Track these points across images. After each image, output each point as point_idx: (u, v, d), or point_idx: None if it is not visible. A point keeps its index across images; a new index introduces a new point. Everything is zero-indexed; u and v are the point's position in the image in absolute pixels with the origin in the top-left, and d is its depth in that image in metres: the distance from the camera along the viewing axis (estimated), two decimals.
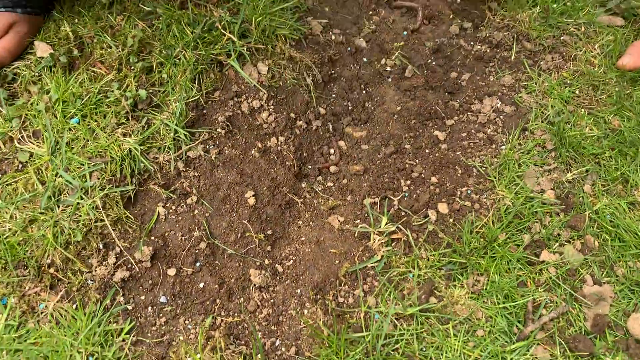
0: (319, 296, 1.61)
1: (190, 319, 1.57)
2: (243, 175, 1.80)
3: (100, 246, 1.60)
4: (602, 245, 1.72)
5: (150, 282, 1.60)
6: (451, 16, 2.38)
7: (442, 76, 2.17)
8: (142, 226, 1.66)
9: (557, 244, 1.71)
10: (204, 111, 1.85)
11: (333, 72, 2.10)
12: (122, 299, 1.57)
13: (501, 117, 2.03)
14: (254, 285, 1.64)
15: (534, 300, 1.60)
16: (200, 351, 1.48)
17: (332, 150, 1.98)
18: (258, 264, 1.68)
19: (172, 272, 1.62)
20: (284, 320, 1.59)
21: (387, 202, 1.80)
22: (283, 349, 1.54)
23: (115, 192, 1.65)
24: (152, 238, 1.66)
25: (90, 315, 1.51)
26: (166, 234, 1.67)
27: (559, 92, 2.08)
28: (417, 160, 1.92)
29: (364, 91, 2.12)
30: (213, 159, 1.79)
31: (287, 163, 1.87)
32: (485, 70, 2.20)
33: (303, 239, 1.76)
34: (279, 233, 1.77)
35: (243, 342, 1.54)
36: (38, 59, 1.83)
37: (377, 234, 1.70)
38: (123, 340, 1.50)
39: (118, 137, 1.72)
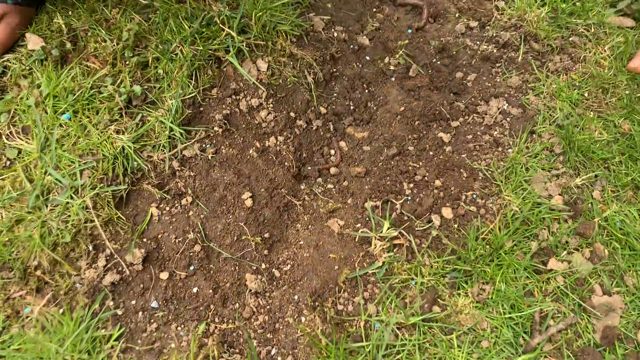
0: (317, 303, 1.55)
1: (182, 325, 1.51)
2: (240, 175, 1.73)
3: (90, 248, 1.54)
4: (612, 253, 1.66)
5: (141, 286, 1.54)
6: (457, 14, 2.32)
7: (447, 76, 2.11)
8: (134, 227, 1.60)
9: (565, 252, 1.65)
10: (201, 109, 1.79)
11: (335, 70, 2.04)
12: (111, 303, 1.50)
13: (508, 119, 1.97)
14: (250, 290, 1.57)
15: (541, 310, 1.54)
16: (193, 359, 1.41)
17: (332, 151, 1.91)
18: (254, 268, 1.62)
19: (164, 275, 1.56)
20: (281, 327, 1.52)
21: (389, 205, 1.74)
22: (279, 358, 1.47)
23: (107, 191, 1.58)
24: (145, 240, 1.59)
25: (78, 321, 1.45)
26: (159, 236, 1.61)
27: (568, 95, 2.02)
28: (420, 163, 1.86)
29: (366, 90, 2.06)
30: (209, 158, 1.72)
31: (286, 164, 1.81)
32: (492, 70, 2.13)
33: (301, 243, 1.69)
34: (277, 236, 1.70)
35: (237, 350, 1.47)
36: (29, 52, 1.77)
37: (378, 239, 1.64)
38: (112, 347, 1.44)
39: (111, 134, 1.66)
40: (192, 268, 1.58)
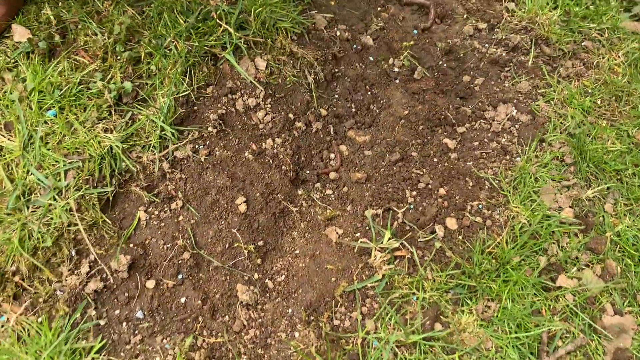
0: (312, 317, 1.46)
1: (168, 338, 1.42)
2: (234, 179, 1.64)
3: (73, 253, 1.45)
4: (624, 271, 1.58)
5: (126, 294, 1.45)
6: (465, 16, 2.23)
7: (453, 79, 2.02)
8: (120, 232, 1.51)
9: (575, 268, 1.56)
10: (195, 108, 1.70)
11: (337, 70, 1.95)
12: (94, 312, 1.41)
13: (516, 126, 1.88)
14: (241, 302, 1.48)
15: (549, 330, 1.45)
16: None
17: (332, 155, 1.82)
18: (246, 278, 1.53)
19: (151, 284, 1.47)
20: (273, 343, 1.44)
21: (391, 214, 1.65)
22: None
23: (92, 193, 1.49)
24: (131, 246, 1.50)
25: (57, 331, 1.36)
26: (146, 242, 1.52)
27: (580, 102, 1.93)
28: (424, 170, 1.77)
29: (369, 92, 1.97)
30: (202, 160, 1.63)
31: (283, 167, 1.72)
32: (501, 74, 2.04)
33: (297, 252, 1.60)
34: (271, 244, 1.61)
35: None
36: (15, 44, 1.68)
37: (378, 250, 1.55)
38: (92, 359, 1.35)
39: (98, 132, 1.57)
40: (180, 277, 1.49)
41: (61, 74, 1.63)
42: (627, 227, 1.65)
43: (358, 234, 1.61)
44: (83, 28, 1.73)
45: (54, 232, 1.43)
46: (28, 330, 1.36)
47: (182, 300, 1.47)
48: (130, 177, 1.57)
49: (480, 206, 1.67)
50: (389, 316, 1.45)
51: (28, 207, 1.45)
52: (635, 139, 1.84)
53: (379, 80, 2.00)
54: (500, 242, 1.56)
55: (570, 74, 2.02)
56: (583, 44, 2.12)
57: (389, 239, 1.56)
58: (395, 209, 1.66)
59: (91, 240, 1.47)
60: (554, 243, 1.59)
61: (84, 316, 1.40)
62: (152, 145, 1.60)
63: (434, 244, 1.58)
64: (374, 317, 1.45)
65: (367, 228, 1.62)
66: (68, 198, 1.46)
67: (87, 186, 1.49)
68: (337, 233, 1.63)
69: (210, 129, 1.67)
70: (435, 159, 1.81)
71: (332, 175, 1.78)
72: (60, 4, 1.78)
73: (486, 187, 1.72)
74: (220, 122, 1.69)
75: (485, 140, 1.85)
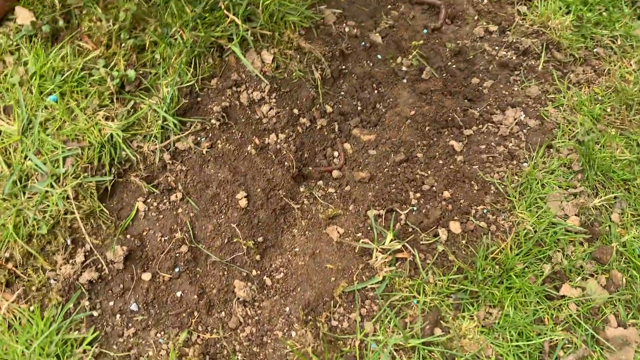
0: (310, 317, 1.43)
1: (162, 332, 1.39)
2: (236, 173, 1.61)
3: (68, 242, 1.42)
4: (630, 282, 1.55)
5: (121, 286, 1.42)
6: (476, 17, 2.20)
7: (462, 81, 1.99)
8: (118, 222, 1.48)
9: (579, 278, 1.53)
10: (198, 99, 1.67)
11: (344, 67, 1.92)
12: (87, 303, 1.38)
13: (524, 130, 1.85)
14: (238, 298, 1.45)
15: (551, 340, 1.42)
16: None
17: (336, 153, 1.79)
18: (244, 274, 1.50)
19: (146, 276, 1.44)
20: (269, 341, 1.41)
21: (394, 215, 1.62)
22: None
23: (91, 181, 1.46)
24: (128, 237, 1.47)
25: (49, 320, 1.33)
26: (144, 233, 1.49)
27: (589, 109, 1.90)
28: (429, 172, 1.74)
29: (375, 91, 1.94)
30: (204, 152, 1.60)
31: (285, 163, 1.69)
32: (510, 78, 2.01)
33: (297, 250, 1.57)
34: (271, 241, 1.58)
35: None
36: (18, 27, 1.65)
37: (380, 252, 1.52)
38: (84, 351, 1.32)
39: (99, 120, 1.54)
40: (177, 270, 1.47)
41: (63, 59, 1.60)
42: (634, 238, 1.62)
43: (359, 234, 1.58)
44: (88, 13, 1.70)
45: (49, 219, 1.40)
46: (19, 318, 1.33)
47: (178, 294, 1.44)
48: (130, 166, 1.54)
49: (485, 211, 1.64)
50: (389, 319, 1.42)
51: (24, 193, 1.42)
52: None
53: (387, 78, 1.96)
54: (505, 248, 1.53)
55: (581, 81, 1.99)
56: (595, 50, 2.09)
57: (391, 240, 1.53)
58: (398, 210, 1.63)
59: (87, 230, 1.44)
60: (558, 251, 1.56)
61: (77, 307, 1.38)
62: (153, 135, 1.57)
63: (437, 248, 1.55)
64: (373, 319, 1.42)
65: (369, 228, 1.59)
66: (66, 185, 1.43)
67: (86, 174, 1.47)
68: (338, 232, 1.60)
69: (213, 121, 1.64)
70: (441, 161, 1.77)
71: (335, 173, 1.74)
72: None
73: (492, 191, 1.69)
74: (224, 114, 1.66)
75: (492, 144, 1.82)
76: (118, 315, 1.39)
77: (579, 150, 1.76)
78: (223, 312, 1.44)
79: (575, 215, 1.64)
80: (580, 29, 2.12)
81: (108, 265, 1.42)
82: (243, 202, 1.57)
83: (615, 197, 1.71)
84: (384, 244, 1.53)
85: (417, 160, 1.77)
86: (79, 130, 1.50)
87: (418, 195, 1.68)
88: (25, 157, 1.46)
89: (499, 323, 1.43)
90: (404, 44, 2.05)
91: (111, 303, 1.40)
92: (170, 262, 1.47)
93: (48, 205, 1.41)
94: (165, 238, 1.49)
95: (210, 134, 1.64)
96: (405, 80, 1.97)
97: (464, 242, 1.56)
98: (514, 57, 2.06)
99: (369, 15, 2.10)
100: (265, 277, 1.51)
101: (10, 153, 1.47)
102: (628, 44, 2.10)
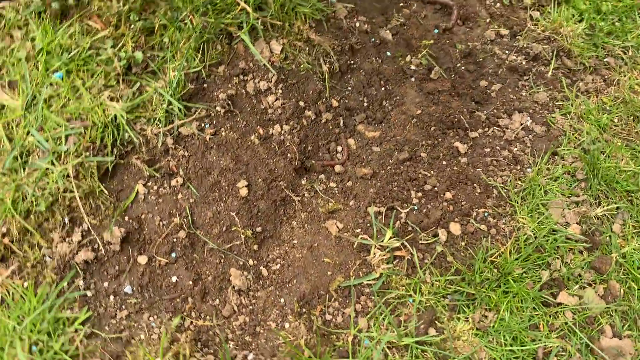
0: (304, 310, 1.42)
1: (155, 316, 1.38)
2: (238, 162, 1.60)
3: (66, 220, 1.41)
4: (627, 294, 1.54)
5: (116, 268, 1.41)
6: (488, 20, 2.19)
7: (470, 83, 1.98)
8: (117, 204, 1.47)
9: (577, 286, 1.52)
10: (205, 85, 1.66)
11: (352, 62, 1.91)
12: (81, 283, 1.38)
13: (530, 136, 1.84)
14: (233, 287, 1.45)
15: (545, 346, 1.41)
16: (161, 356, 1.29)
17: (339, 148, 1.78)
18: (241, 263, 1.49)
19: (143, 259, 1.43)
20: (262, 332, 1.40)
21: (394, 213, 1.61)
22: None
23: (92, 161, 1.45)
24: (126, 219, 1.46)
25: (42, 298, 1.32)
26: (142, 216, 1.48)
27: (596, 118, 1.89)
28: (432, 172, 1.73)
29: (383, 88, 1.93)
30: (207, 139, 1.59)
31: (288, 155, 1.68)
32: (519, 83, 2.00)
33: (295, 242, 1.56)
34: (269, 232, 1.57)
35: (212, 350, 1.35)
36: (27, 2, 1.63)
37: (378, 248, 1.51)
38: (75, 330, 1.31)
39: (104, 100, 1.53)
40: (174, 255, 1.46)
41: (72, 37, 1.59)
42: (634, 249, 1.61)
43: (359, 230, 1.58)
44: None
45: (48, 196, 1.40)
46: (13, 294, 1.32)
47: (174, 279, 1.43)
48: (132, 149, 1.53)
49: (486, 214, 1.63)
50: (383, 316, 1.41)
51: (24, 169, 1.41)
52: None
53: (395, 76, 1.95)
54: (504, 252, 1.52)
55: (590, 89, 1.98)
56: (605, 60, 2.08)
57: (390, 238, 1.52)
58: (399, 209, 1.62)
59: (86, 209, 1.43)
60: (558, 258, 1.55)
61: (71, 286, 1.37)
62: (157, 118, 1.56)
63: (436, 248, 1.54)
64: (368, 316, 1.41)
65: (369, 225, 1.58)
66: (67, 164, 1.42)
67: (87, 154, 1.46)
68: (337, 227, 1.59)
69: (218, 108, 1.63)
70: (445, 162, 1.76)
71: (338, 168, 1.74)
72: None
73: (494, 195, 1.68)
74: (229, 102, 1.65)
75: (497, 147, 1.81)
76: (112, 297, 1.39)
77: (584, 159, 1.75)
78: (217, 300, 1.43)
79: (577, 223, 1.63)
80: (592, 37, 2.10)
81: (105, 246, 1.42)
82: (244, 191, 1.56)
83: (617, 208, 1.69)
84: (382, 241, 1.52)
85: (421, 160, 1.76)
86: (83, 109, 1.49)
87: (420, 194, 1.67)
88: (28, 132, 1.45)
89: (493, 327, 1.42)
90: (414, 42, 2.04)
91: (105, 284, 1.39)
92: (167, 247, 1.46)
93: (48, 183, 1.40)
94: (164, 222, 1.48)
95: (214, 121, 1.63)
96: (413, 79, 1.96)
97: (463, 244, 1.55)
98: (523, 62, 2.05)
99: (380, 11, 2.09)
100: (261, 267, 1.51)
101: (12, 128, 1.46)
102: (639, 55, 2.09)
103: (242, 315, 1.42)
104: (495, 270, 1.49)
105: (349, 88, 1.88)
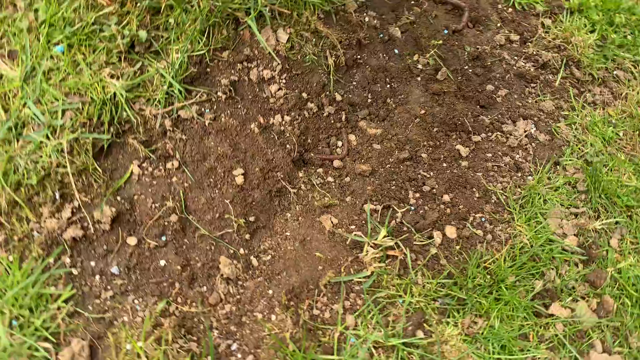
0: (292, 303, 1.40)
1: (140, 299, 1.36)
2: (236, 149, 1.58)
3: (57, 196, 1.39)
4: (620, 309, 1.51)
5: (104, 247, 1.39)
6: (499, 24, 2.16)
7: (476, 86, 1.95)
8: (110, 183, 1.45)
9: (570, 298, 1.50)
10: (207, 69, 1.63)
11: (359, 57, 1.88)
12: (68, 260, 1.35)
13: (533, 144, 1.82)
14: (222, 275, 1.42)
15: (534, 357, 1.39)
16: (143, 340, 1.26)
17: (340, 143, 1.76)
18: (231, 252, 1.47)
19: (132, 241, 1.41)
20: (247, 322, 1.38)
21: (390, 212, 1.58)
22: (239, 355, 1.32)
23: (87, 137, 1.43)
24: (118, 198, 1.44)
25: (27, 272, 1.30)
26: (135, 197, 1.46)
27: (601, 130, 1.86)
28: (431, 173, 1.70)
29: (388, 85, 1.90)
30: (206, 124, 1.57)
31: (287, 146, 1.65)
32: (525, 90, 1.98)
33: (288, 234, 1.54)
34: (263, 222, 1.55)
35: (195, 338, 1.32)
36: None
37: (371, 246, 1.49)
38: (58, 308, 1.29)
39: (104, 77, 1.50)
40: (164, 239, 1.44)
41: (75, 11, 1.56)
42: (630, 265, 1.59)
43: (353, 227, 1.55)
44: None
45: (40, 170, 1.37)
46: None
47: (162, 263, 1.41)
48: (129, 128, 1.50)
49: (483, 219, 1.61)
50: (371, 315, 1.39)
51: (18, 141, 1.39)
52: None
53: (401, 74, 1.93)
54: (498, 259, 1.50)
55: (597, 101, 1.96)
56: (614, 72, 2.05)
57: (384, 236, 1.50)
58: (396, 208, 1.60)
59: (78, 186, 1.41)
60: (552, 269, 1.53)
61: (57, 262, 1.35)
62: (157, 99, 1.53)
63: (430, 250, 1.52)
64: (356, 313, 1.39)
65: (364, 222, 1.56)
66: (61, 138, 1.40)
67: (83, 130, 1.43)
68: (331, 222, 1.57)
69: (219, 93, 1.61)
70: (445, 164, 1.74)
71: (337, 163, 1.71)
72: None
73: (492, 200, 1.66)
74: (231, 88, 1.63)
75: (499, 153, 1.78)
76: (98, 276, 1.36)
77: (586, 170, 1.73)
78: (205, 287, 1.41)
79: (574, 235, 1.61)
80: (603, 49, 2.08)
81: (94, 225, 1.39)
82: (239, 179, 1.54)
83: (616, 223, 1.67)
84: (376, 239, 1.50)
85: (421, 160, 1.74)
86: (82, 84, 1.47)
87: (417, 195, 1.65)
88: (24, 104, 1.42)
89: (482, 333, 1.40)
90: (423, 41, 2.01)
91: (92, 263, 1.37)
92: (157, 230, 1.43)
93: (41, 156, 1.38)
94: (156, 205, 1.45)
95: (214, 107, 1.60)
96: (419, 79, 1.94)
97: (457, 247, 1.53)
98: (532, 69, 2.02)
99: (390, 8, 2.06)
100: (252, 257, 1.48)
101: (9, 98, 1.43)
102: None
103: (229, 304, 1.39)
104: (489, 277, 1.47)
105: (354, 83, 1.86)
